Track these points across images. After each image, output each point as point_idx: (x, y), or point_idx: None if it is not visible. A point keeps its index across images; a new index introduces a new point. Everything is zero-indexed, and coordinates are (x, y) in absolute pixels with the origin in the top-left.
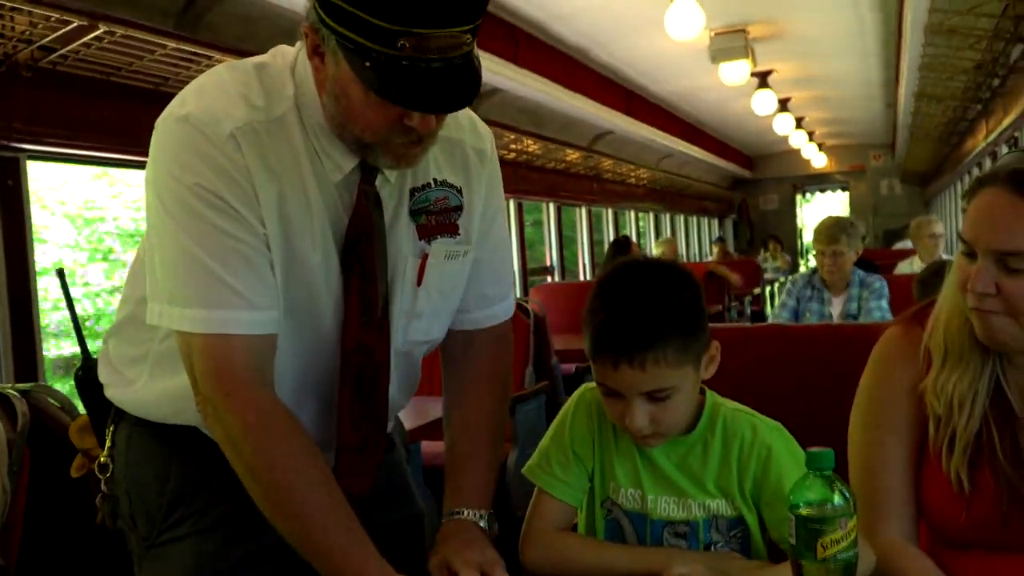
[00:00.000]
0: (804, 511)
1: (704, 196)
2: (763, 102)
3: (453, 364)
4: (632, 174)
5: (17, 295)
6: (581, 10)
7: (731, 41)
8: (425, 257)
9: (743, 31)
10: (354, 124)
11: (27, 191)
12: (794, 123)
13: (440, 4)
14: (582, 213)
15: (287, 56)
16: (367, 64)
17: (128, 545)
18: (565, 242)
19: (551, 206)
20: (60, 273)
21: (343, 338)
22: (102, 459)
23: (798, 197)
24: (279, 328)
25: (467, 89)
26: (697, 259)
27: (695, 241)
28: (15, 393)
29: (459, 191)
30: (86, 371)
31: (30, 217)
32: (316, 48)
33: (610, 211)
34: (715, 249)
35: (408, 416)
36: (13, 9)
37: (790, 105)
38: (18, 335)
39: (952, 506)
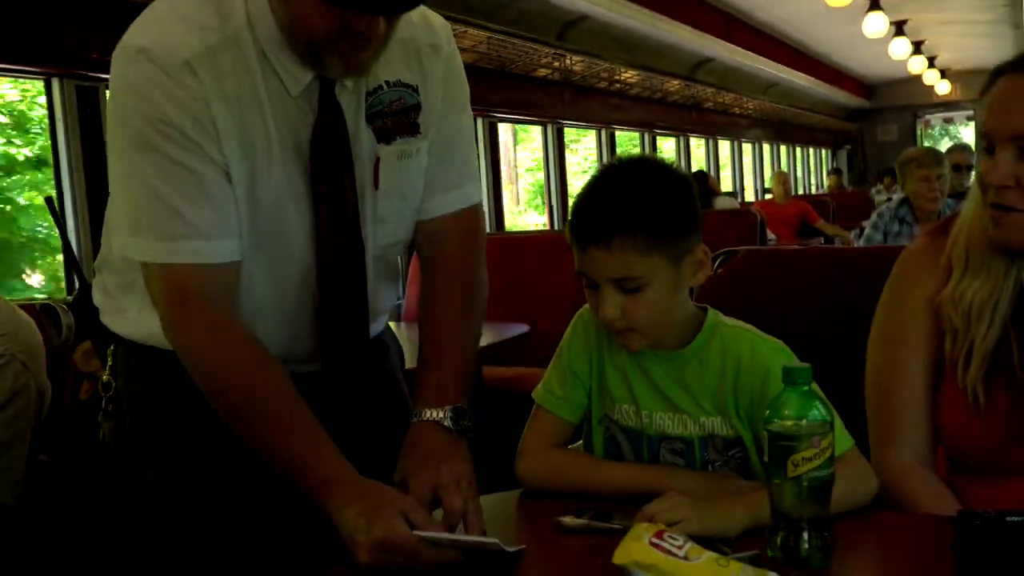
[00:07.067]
0: (775, 427)
1: (817, 126)
2: (875, 24)
3: (423, 262)
4: (736, 104)
5: (98, 219)
6: None
7: None
8: (378, 160)
9: None
10: (301, 29)
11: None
12: (911, 47)
13: None
14: (680, 144)
15: None
16: None
17: (129, 460)
18: None
19: (645, 136)
20: (49, 201)
21: (319, 251)
22: (104, 378)
23: (920, 128)
24: (238, 255)
25: None
26: (808, 192)
27: (807, 173)
28: (63, 306)
29: (415, 89)
30: (83, 297)
31: None
32: None
33: (711, 142)
34: (829, 182)
35: None
36: None
37: (907, 28)
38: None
39: (965, 424)
